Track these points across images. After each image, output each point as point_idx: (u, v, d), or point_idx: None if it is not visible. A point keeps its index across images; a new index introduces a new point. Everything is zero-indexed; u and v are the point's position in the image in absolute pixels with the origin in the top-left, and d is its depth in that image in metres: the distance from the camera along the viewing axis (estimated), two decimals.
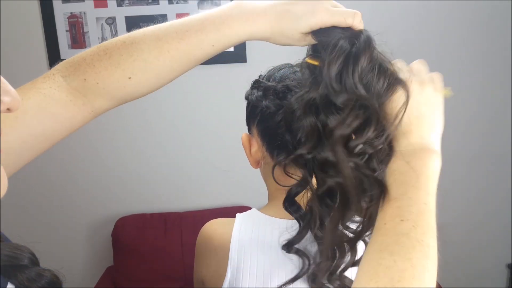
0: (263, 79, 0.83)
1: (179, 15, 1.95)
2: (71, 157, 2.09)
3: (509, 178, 2.17)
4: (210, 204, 2.14)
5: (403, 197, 0.55)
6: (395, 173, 0.58)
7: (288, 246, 0.75)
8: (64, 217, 2.15)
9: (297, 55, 2.03)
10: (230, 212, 0.89)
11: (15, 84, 1.81)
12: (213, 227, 0.87)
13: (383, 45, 0.65)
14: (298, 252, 0.75)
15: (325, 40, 0.60)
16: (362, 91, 0.58)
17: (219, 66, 2.00)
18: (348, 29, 0.61)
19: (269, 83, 0.79)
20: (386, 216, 0.54)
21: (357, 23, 0.61)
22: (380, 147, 0.60)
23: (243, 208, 0.89)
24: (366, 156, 0.61)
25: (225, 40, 0.62)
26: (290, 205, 0.74)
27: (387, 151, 0.61)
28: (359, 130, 0.59)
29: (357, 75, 0.58)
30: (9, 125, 0.57)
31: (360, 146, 0.60)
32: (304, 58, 0.65)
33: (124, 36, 0.64)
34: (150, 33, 0.63)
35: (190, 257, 0.91)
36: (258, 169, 0.88)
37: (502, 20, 2.01)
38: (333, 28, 0.60)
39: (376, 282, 0.48)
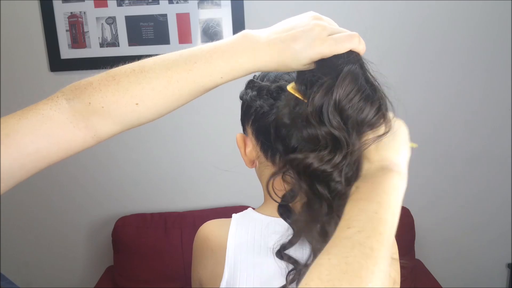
0: (257, 79, 0.83)
1: (179, 15, 1.94)
2: (71, 157, 2.09)
3: (509, 177, 2.17)
4: (210, 204, 2.14)
5: (353, 209, 0.56)
6: (352, 192, 0.59)
7: (279, 253, 0.76)
8: (64, 217, 2.15)
9: None
10: (230, 211, 0.89)
11: (15, 84, 1.82)
12: (210, 228, 0.87)
13: (375, 68, 0.69)
14: (290, 260, 0.76)
15: (322, 65, 0.64)
16: (334, 124, 0.62)
17: None
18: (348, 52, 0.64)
19: (263, 83, 0.80)
20: (337, 227, 0.54)
21: (356, 45, 0.64)
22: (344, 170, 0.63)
23: (243, 208, 0.89)
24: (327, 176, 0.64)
25: (233, 73, 0.64)
26: (283, 211, 0.75)
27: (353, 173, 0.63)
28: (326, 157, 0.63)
29: (333, 109, 0.61)
30: None
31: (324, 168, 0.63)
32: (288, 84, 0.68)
33: (133, 64, 0.66)
34: (160, 62, 0.64)
35: (190, 256, 0.92)
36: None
37: (502, 20, 2.01)
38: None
39: (306, 283, 0.47)
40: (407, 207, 2.07)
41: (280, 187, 0.76)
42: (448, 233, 2.23)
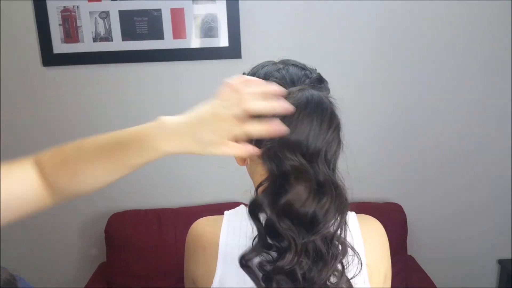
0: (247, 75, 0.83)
1: (173, 10, 1.93)
2: None
3: (501, 174, 2.19)
4: (205, 200, 2.14)
5: None
6: None
7: (240, 261, 0.74)
8: (57, 213, 2.13)
9: (289, 50, 2.03)
10: (224, 208, 0.89)
11: (7, 78, 1.79)
12: (202, 225, 0.87)
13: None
14: (249, 270, 0.74)
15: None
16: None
17: (214, 62, 2.00)
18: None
19: None
20: None
21: (268, 133, 0.67)
22: None
23: (237, 204, 0.89)
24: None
25: (152, 156, 0.70)
26: (252, 216, 0.74)
27: None
28: None
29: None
30: None
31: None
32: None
33: (77, 142, 0.75)
34: (92, 144, 0.74)
35: (184, 253, 0.91)
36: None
37: (502, 20, 2.03)
38: None
39: None
40: (400, 204, 2.09)
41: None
42: (440, 229, 2.25)
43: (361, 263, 0.76)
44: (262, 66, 0.84)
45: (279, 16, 1.98)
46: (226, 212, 0.86)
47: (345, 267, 0.73)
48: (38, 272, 2.20)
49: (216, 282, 0.81)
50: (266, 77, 0.79)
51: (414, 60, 2.05)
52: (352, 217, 0.85)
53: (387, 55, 2.04)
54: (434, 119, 2.12)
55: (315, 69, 0.84)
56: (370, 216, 0.89)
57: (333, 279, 0.72)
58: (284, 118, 0.69)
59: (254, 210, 0.74)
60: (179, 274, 1.95)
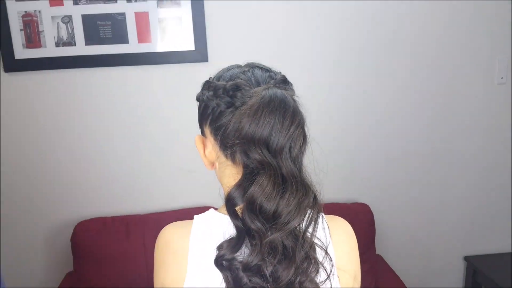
0: (212, 79, 0.84)
1: (138, 14, 1.92)
2: (26, 158, 2.02)
3: (465, 173, 2.25)
4: (174, 205, 2.11)
5: None
6: None
7: (216, 262, 0.75)
8: (21, 221, 2.08)
9: (258, 55, 2.04)
10: (194, 213, 0.88)
11: None
12: (170, 231, 0.85)
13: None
14: (222, 269, 0.75)
15: None
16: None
17: (181, 65, 1.99)
18: None
19: (219, 83, 0.81)
20: None
21: None
22: None
23: (207, 209, 0.88)
24: None
25: None
26: (229, 212, 0.76)
27: None
28: None
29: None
30: None
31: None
32: None
33: None
34: None
35: (153, 261, 0.90)
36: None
37: (502, 19, 2.10)
38: None
39: None
40: (367, 204, 2.11)
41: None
42: (407, 228, 2.29)
43: (332, 264, 0.77)
44: (227, 69, 0.85)
45: (245, 18, 1.98)
46: (195, 217, 0.85)
47: (312, 267, 0.74)
48: (4, 281, 2.13)
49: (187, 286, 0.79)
50: (232, 79, 0.80)
51: (379, 60, 2.09)
52: (320, 218, 0.85)
53: (353, 56, 2.07)
54: (400, 120, 2.16)
55: (280, 72, 0.86)
56: (338, 217, 0.89)
57: (302, 279, 0.72)
58: (248, 115, 0.71)
59: (230, 205, 0.76)
60: (148, 282, 1.93)
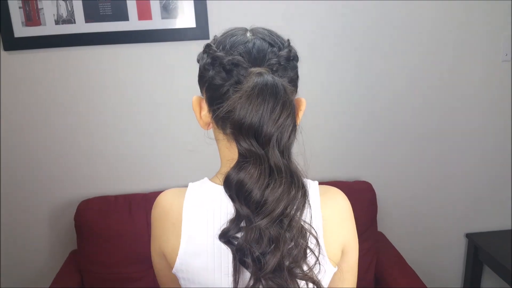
0: (214, 43, 0.83)
1: None
2: (28, 138, 2.02)
3: (466, 150, 2.24)
4: (176, 184, 2.12)
5: None
6: None
7: (222, 237, 0.77)
8: (24, 200, 2.09)
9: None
10: None
11: None
12: (167, 199, 0.88)
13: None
14: (228, 244, 0.77)
15: None
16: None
17: (181, 43, 1.97)
18: None
19: (218, 53, 0.79)
20: None
21: None
22: None
23: None
24: None
25: None
26: (227, 189, 0.76)
27: None
28: None
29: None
30: None
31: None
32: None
33: None
34: None
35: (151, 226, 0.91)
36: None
37: (502, 19, 2.07)
38: None
39: None
40: (369, 182, 2.11)
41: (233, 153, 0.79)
42: (409, 205, 2.29)
43: (319, 247, 0.78)
44: (231, 34, 0.83)
45: None
46: (190, 184, 0.88)
47: (300, 253, 0.75)
48: (7, 261, 2.16)
49: (181, 255, 0.82)
50: (232, 48, 0.79)
51: (383, 37, 2.06)
52: (313, 187, 0.86)
53: (358, 37, 2.04)
54: (402, 97, 2.14)
55: (287, 42, 0.84)
56: (332, 188, 0.90)
57: (290, 265, 0.74)
58: (239, 103, 0.71)
59: (228, 186, 0.76)
60: (151, 260, 1.94)
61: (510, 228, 2.35)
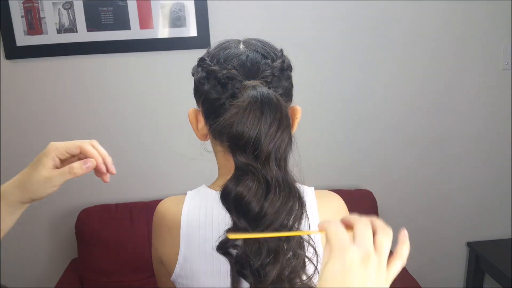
0: (208, 56, 0.83)
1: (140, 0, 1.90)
2: (28, 145, 2.02)
3: (467, 159, 2.24)
4: (177, 192, 2.10)
5: None
6: None
7: (220, 249, 0.76)
8: (25, 209, 2.08)
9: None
10: None
11: None
12: (166, 206, 0.89)
13: None
14: (227, 255, 0.76)
15: None
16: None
17: (183, 52, 1.97)
18: None
19: (213, 67, 0.79)
20: None
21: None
22: None
23: None
24: None
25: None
26: (224, 202, 0.75)
27: None
28: None
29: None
30: None
31: None
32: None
33: None
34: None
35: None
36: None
37: (508, 4, 2.08)
38: None
39: None
40: (370, 190, 2.11)
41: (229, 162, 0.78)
42: (410, 214, 2.29)
43: (318, 256, 0.78)
44: (225, 47, 0.83)
45: (248, 4, 1.96)
46: (188, 192, 0.89)
47: (300, 263, 0.74)
48: (8, 269, 2.15)
49: (180, 261, 0.83)
50: (226, 62, 0.79)
51: (382, 44, 2.07)
52: (310, 193, 0.86)
53: (359, 39, 2.05)
54: (404, 106, 2.14)
55: (280, 52, 0.84)
56: (328, 191, 0.90)
57: (290, 276, 0.73)
58: (235, 118, 0.70)
59: (225, 198, 0.75)
60: (152, 267, 1.94)
61: (510, 237, 2.35)
